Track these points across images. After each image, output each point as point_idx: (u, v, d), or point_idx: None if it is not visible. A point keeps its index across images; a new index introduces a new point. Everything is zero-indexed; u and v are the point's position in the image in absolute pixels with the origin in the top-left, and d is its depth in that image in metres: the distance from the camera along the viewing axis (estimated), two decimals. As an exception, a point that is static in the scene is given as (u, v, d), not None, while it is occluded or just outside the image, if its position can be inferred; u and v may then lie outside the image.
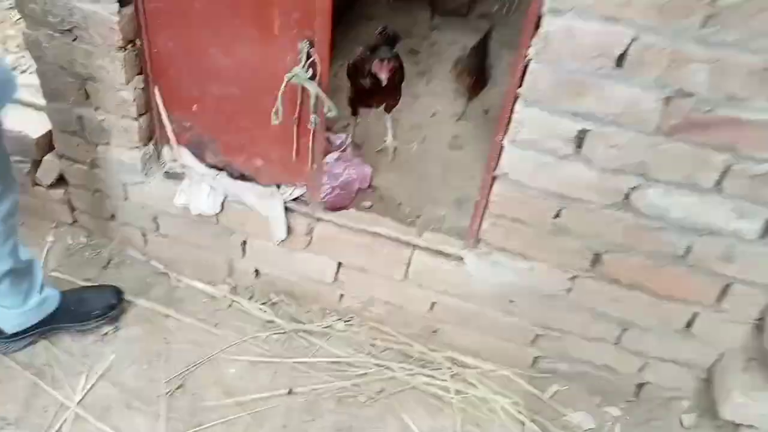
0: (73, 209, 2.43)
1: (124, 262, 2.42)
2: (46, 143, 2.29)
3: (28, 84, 2.49)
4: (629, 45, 1.37)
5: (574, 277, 1.85)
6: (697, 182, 1.53)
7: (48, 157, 2.32)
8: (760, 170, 1.45)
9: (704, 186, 1.53)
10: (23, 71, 3.07)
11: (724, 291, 1.71)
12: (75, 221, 2.47)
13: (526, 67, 1.52)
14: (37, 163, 2.34)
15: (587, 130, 1.54)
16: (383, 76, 2.09)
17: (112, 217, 2.36)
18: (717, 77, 1.35)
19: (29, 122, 2.31)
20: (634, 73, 1.41)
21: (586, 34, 1.38)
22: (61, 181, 2.36)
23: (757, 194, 1.50)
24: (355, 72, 2.27)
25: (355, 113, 2.50)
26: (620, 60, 1.40)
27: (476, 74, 2.62)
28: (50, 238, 2.44)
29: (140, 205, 2.26)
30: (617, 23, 1.35)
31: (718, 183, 1.52)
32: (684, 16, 1.30)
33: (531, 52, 1.48)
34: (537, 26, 1.45)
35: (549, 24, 1.41)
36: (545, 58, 1.46)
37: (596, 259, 1.78)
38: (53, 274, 2.31)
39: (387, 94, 2.35)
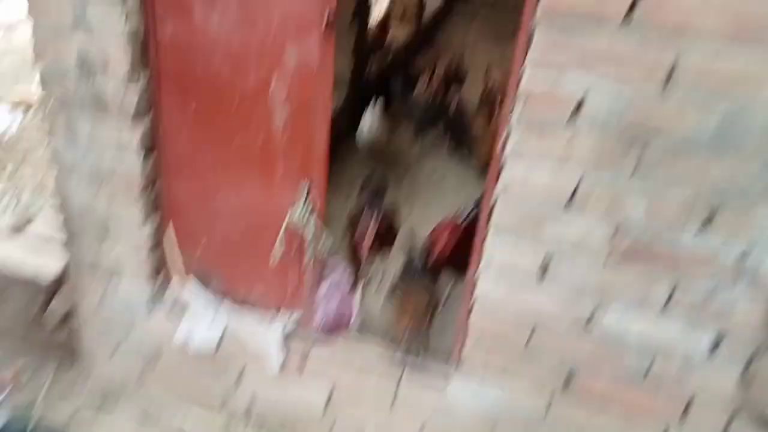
0: (77, 343, 2.53)
1: (122, 396, 2.47)
2: (60, 279, 2.45)
3: (46, 224, 2.73)
4: (577, 186, 1.62)
5: (549, 397, 1.95)
6: (648, 304, 1.71)
7: (60, 293, 2.47)
8: (700, 293, 1.64)
9: (655, 307, 1.71)
10: (35, 210, 3.33)
11: (688, 406, 1.82)
12: (77, 356, 2.55)
13: (493, 205, 1.76)
14: (48, 299, 2.47)
15: (549, 259, 1.75)
16: (364, 253, 2.30)
17: (115, 350, 2.46)
18: (653, 211, 1.59)
19: (45, 260, 2.49)
20: (583, 210, 1.65)
21: (540, 177, 1.64)
22: (68, 315, 2.49)
23: (701, 314, 1.67)
24: (351, 227, 2.58)
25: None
26: (571, 198, 1.65)
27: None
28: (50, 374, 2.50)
29: (144, 337, 2.38)
30: (565, 168, 1.61)
31: (667, 304, 1.70)
32: (620, 161, 1.56)
33: (496, 193, 1.73)
34: (500, 171, 1.71)
35: (509, 170, 1.67)
36: (508, 198, 1.71)
37: (568, 378, 1.90)
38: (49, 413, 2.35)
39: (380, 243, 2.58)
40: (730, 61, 1.40)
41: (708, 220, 1.57)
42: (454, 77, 4.21)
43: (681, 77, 1.44)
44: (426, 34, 6.66)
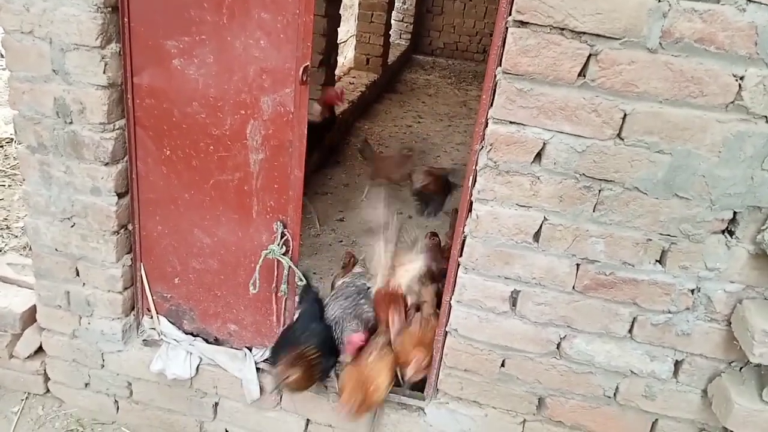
0: (47, 379, 2.51)
1: (95, 430, 2.46)
2: (30, 317, 2.44)
3: (12, 263, 2.70)
4: (541, 225, 1.73)
5: (523, 422, 2.04)
6: (612, 331, 1.83)
7: (29, 330, 2.46)
8: (659, 320, 1.77)
9: (619, 334, 1.83)
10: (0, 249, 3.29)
11: (654, 427, 1.94)
12: (47, 391, 2.54)
13: (464, 241, 1.85)
14: (17, 337, 2.46)
15: (518, 291, 1.85)
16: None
17: (86, 385, 2.45)
18: (611, 247, 1.71)
19: (12, 298, 2.48)
20: (548, 246, 1.76)
21: (507, 216, 1.75)
22: (38, 352, 2.47)
23: (662, 340, 1.80)
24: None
25: None
26: (536, 236, 1.76)
27: None
28: (18, 409, 2.48)
29: (116, 373, 2.38)
30: (530, 209, 1.72)
31: (630, 331, 1.82)
32: (579, 203, 1.68)
33: (467, 230, 1.82)
34: (470, 210, 1.81)
35: (478, 209, 1.77)
36: (478, 235, 1.80)
37: (540, 402, 2.00)
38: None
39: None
40: (673, 114, 1.54)
41: (662, 256, 1.70)
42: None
43: (631, 129, 1.57)
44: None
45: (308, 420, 2.29)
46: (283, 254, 2.05)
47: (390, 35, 7.70)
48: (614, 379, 1.90)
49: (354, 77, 6.84)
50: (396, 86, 7.90)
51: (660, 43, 1.48)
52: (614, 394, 1.92)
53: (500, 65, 1.60)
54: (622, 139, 1.59)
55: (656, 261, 1.71)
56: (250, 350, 2.30)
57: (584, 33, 1.51)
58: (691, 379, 1.84)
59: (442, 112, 7.04)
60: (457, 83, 8.49)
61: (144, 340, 2.35)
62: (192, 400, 2.35)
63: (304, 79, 1.84)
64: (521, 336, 1.90)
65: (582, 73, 1.55)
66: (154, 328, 2.34)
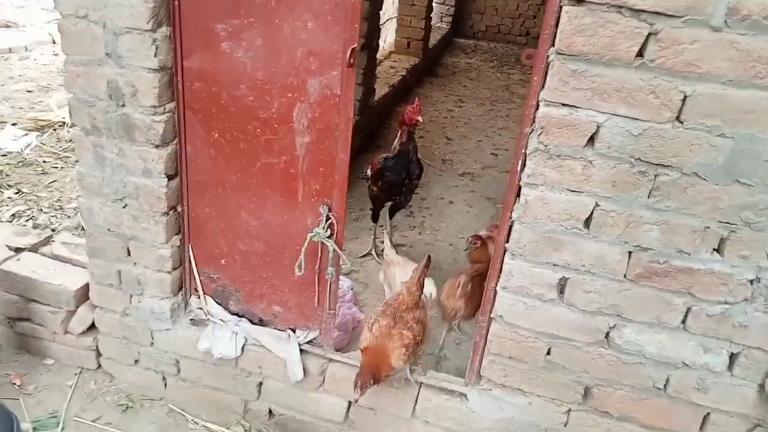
0: (99, 355, 2.60)
1: (144, 405, 2.54)
2: (83, 295, 2.53)
3: (66, 242, 2.80)
4: (593, 210, 1.68)
5: (568, 411, 2.01)
6: (665, 321, 1.77)
7: (82, 308, 2.55)
8: (715, 311, 1.71)
9: (672, 324, 1.77)
10: (53, 229, 3.41)
11: (705, 421, 1.88)
12: (99, 366, 2.63)
13: (511, 226, 1.82)
14: (71, 313, 2.55)
15: (567, 278, 1.81)
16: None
17: (136, 362, 2.53)
18: (666, 235, 1.66)
19: (66, 276, 2.57)
20: (599, 232, 1.71)
21: (557, 202, 1.71)
22: (91, 329, 2.56)
23: (717, 331, 1.74)
24: (377, 175, 3.13)
25: (375, 219, 3.27)
26: (587, 222, 1.71)
27: None
28: (72, 383, 2.58)
29: (164, 350, 2.45)
30: (581, 194, 1.68)
31: (683, 322, 1.76)
32: (633, 188, 1.63)
33: (514, 215, 1.79)
34: (518, 195, 1.78)
35: (527, 194, 1.73)
36: (526, 220, 1.77)
37: (587, 392, 1.97)
38: (75, 419, 2.43)
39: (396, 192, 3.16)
40: (737, 96, 1.46)
41: (720, 245, 1.63)
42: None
43: (691, 111, 1.50)
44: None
45: (350, 402, 2.31)
46: (328, 237, 2.06)
47: (431, 18, 7.61)
48: (665, 371, 1.84)
49: (395, 61, 6.79)
50: (437, 70, 7.82)
51: (725, 21, 1.41)
52: (664, 386, 1.87)
53: (553, 45, 1.55)
54: (681, 122, 1.53)
55: (714, 250, 1.64)
56: (294, 332, 2.33)
57: (643, 11, 1.45)
58: (746, 372, 1.77)
59: (484, 96, 6.94)
60: (499, 67, 8.34)
61: (191, 320, 2.41)
62: (237, 379, 2.40)
63: (351, 61, 1.82)
64: (568, 324, 1.87)
65: (640, 53, 1.49)
66: (201, 308, 2.39)
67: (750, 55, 1.42)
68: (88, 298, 2.53)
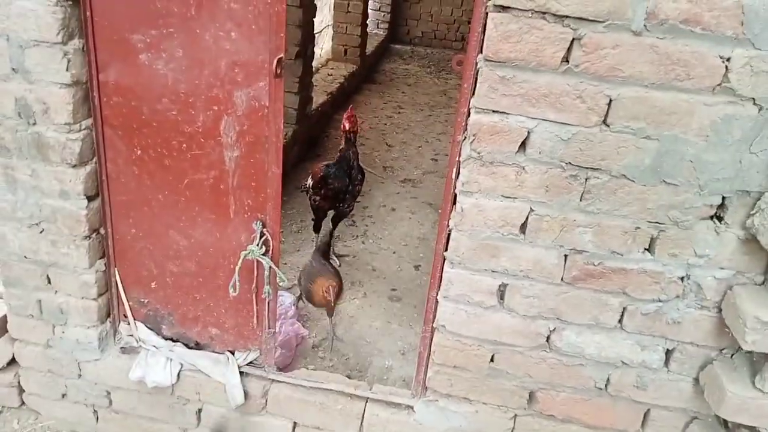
0: (22, 391, 2.42)
1: (75, 440, 2.39)
2: (0, 327, 2.35)
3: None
4: (527, 216, 1.69)
5: (514, 417, 2.01)
6: (602, 322, 1.79)
7: (0, 341, 2.36)
8: (649, 309, 1.74)
9: (609, 325, 1.80)
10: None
11: (646, 417, 1.92)
12: (23, 404, 2.44)
13: (449, 235, 1.80)
14: (-13, 349, 2.36)
15: (506, 284, 1.81)
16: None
17: (63, 396, 2.37)
18: (600, 237, 1.67)
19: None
20: (535, 237, 1.71)
21: (492, 209, 1.70)
22: (11, 363, 2.38)
23: (652, 329, 1.77)
24: (320, 183, 3.14)
25: (317, 229, 3.29)
26: (523, 227, 1.71)
27: None
28: (-5, 424, 2.40)
29: (94, 382, 2.30)
30: (515, 200, 1.68)
31: (620, 321, 1.79)
32: (565, 192, 1.64)
33: (451, 223, 1.77)
34: (454, 202, 1.76)
35: (462, 202, 1.72)
36: (463, 228, 1.75)
37: (531, 397, 1.97)
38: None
39: (340, 200, 3.19)
40: (660, 98, 1.49)
41: (651, 244, 1.66)
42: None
43: (616, 115, 1.53)
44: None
45: (295, 423, 2.23)
46: (263, 254, 1.98)
47: (367, 25, 7.60)
48: (605, 371, 1.87)
49: (332, 68, 6.75)
50: (375, 77, 7.82)
51: (645, 26, 1.43)
52: (605, 386, 1.89)
53: (481, 52, 1.55)
54: (608, 126, 1.55)
55: (645, 249, 1.67)
56: (233, 354, 2.23)
57: (567, 16, 1.46)
58: (682, 367, 1.81)
59: (423, 101, 6.98)
60: (436, 72, 8.43)
61: (122, 348, 2.27)
62: (174, 408, 2.28)
63: (279, 71, 1.76)
64: (510, 330, 1.86)
65: (566, 59, 1.50)
66: (131, 335, 2.26)
67: (669, 58, 1.46)
68: (6, 331, 2.35)
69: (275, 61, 1.74)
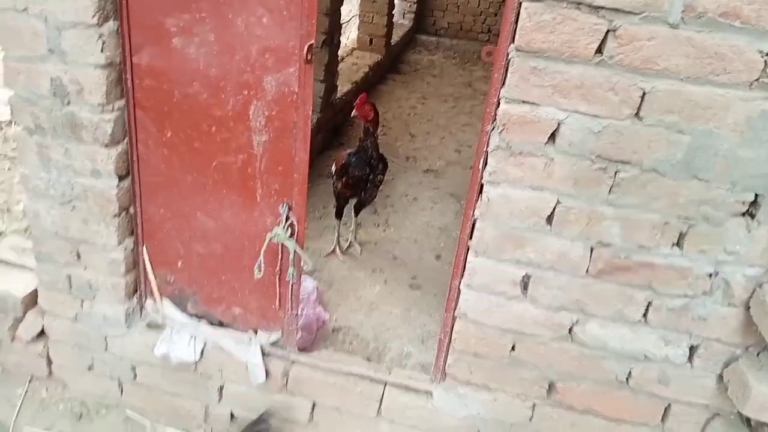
0: (50, 363, 2.49)
1: (99, 413, 2.45)
2: (31, 300, 2.41)
3: (14, 246, 2.67)
4: (555, 207, 1.68)
5: (533, 406, 2.02)
6: (626, 316, 1.79)
7: (31, 314, 2.43)
8: (675, 305, 1.72)
9: (633, 318, 1.79)
10: (0, 232, 3.26)
11: (666, 412, 1.91)
12: (51, 374, 2.51)
13: (474, 224, 1.81)
14: (19, 320, 2.43)
15: (530, 275, 1.80)
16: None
17: (90, 369, 2.43)
18: (627, 231, 1.66)
19: (14, 281, 2.45)
20: (562, 229, 1.71)
21: (519, 199, 1.70)
22: (41, 335, 2.45)
23: (677, 324, 1.76)
24: (342, 171, 3.17)
25: (339, 216, 3.32)
26: (549, 219, 1.71)
27: None
28: (22, 392, 2.46)
29: (119, 356, 2.36)
30: (543, 191, 1.67)
31: (644, 316, 1.78)
32: (594, 185, 1.63)
33: (477, 213, 1.77)
34: (480, 192, 1.76)
35: (489, 191, 1.72)
36: (488, 218, 1.75)
37: (551, 387, 1.97)
38: (26, 428, 2.32)
39: (361, 188, 3.21)
40: (694, 92, 1.47)
41: (680, 239, 1.65)
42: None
43: (650, 108, 1.51)
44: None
45: (315, 403, 2.27)
46: (289, 238, 2.01)
47: (393, 15, 7.56)
48: (627, 364, 1.86)
49: (357, 58, 6.73)
50: (400, 67, 7.78)
51: (682, 18, 1.41)
52: (627, 379, 1.88)
53: (513, 42, 1.54)
54: (641, 119, 1.53)
55: (674, 244, 1.66)
56: (256, 333, 2.27)
57: (602, 7, 1.44)
58: (706, 363, 1.80)
59: (447, 93, 6.93)
60: (461, 64, 8.36)
61: (147, 324, 2.32)
62: (197, 384, 2.33)
63: (309, 58, 1.77)
64: (532, 320, 1.86)
65: (599, 50, 1.48)
66: (157, 312, 2.31)
67: (706, 52, 1.43)
68: (36, 304, 2.42)
69: (306, 48, 1.75)
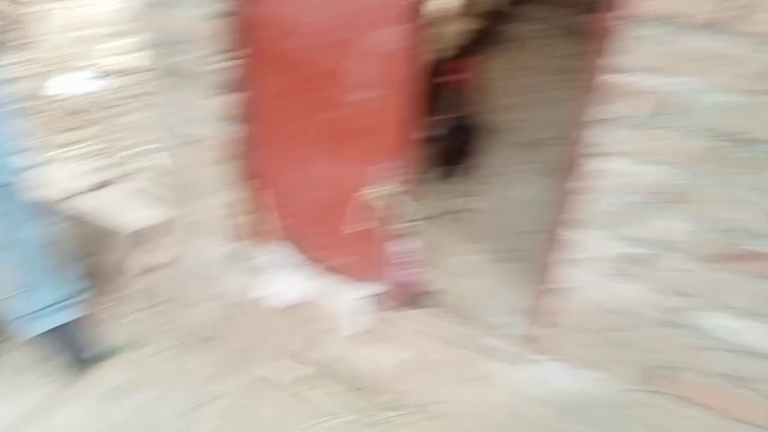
0: (154, 296, 2.69)
1: (205, 339, 2.62)
2: (155, 233, 2.61)
3: (142, 182, 2.88)
4: (672, 185, 1.60)
5: (631, 390, 1.96)
6: (745, 307, 1.68)
7: (154, 245, 2.63)
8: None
9: (752, 311, 1.68)
10: (130, 170, 3.49)
11: (777, 412, 1.80)
12: (154, 306, 2.72)
13: (577, 198, 1.75)
14: (142, 250, 2.64)
15: (641, 254, 1.73)
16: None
17: (202, 301, 2.60)
18: (752, 216, 1.55)
19: (140, 213, 2.67)
20: (679, 208, 1.62)
21: (634, 174, 1.62)
22: (161, 266, 2.64)
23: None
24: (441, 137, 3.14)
25: (440, 180, 3.29)
26: (666, 197, 1.62)
27: None
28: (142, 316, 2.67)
29: (228, 290, 2.51)
30: (666, 167, 1.59)
31: (763, 307, 1.66)
32: (714, 163, 1.52)
33: (581, 187, 1.72)
34: (584, 166, 1.70)
35: (594, 165, 1.66)
36: (594, 193, 1.69)
37: (652, 372, 1.90)
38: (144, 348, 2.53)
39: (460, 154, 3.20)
40: None
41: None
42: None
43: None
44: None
45: (406, 359, 2.31)
46: (396, 194, 2.04)
47: (499, -19, 7.30)
48: (739, 359, 1.76)
49: (458, 24, 6.58)
50: (500, 36, 7.55)
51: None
52: (736, 374, 1.78)
53: (621, 9, 1.45)
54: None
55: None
56: (354, 285, 2.34)
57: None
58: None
59: (548, 65, 6.67)
60: (565, 35, 7.99)
61: (255, 265, 2.45)
62: (293, 327, 2.44)
63: (416, 17, 1.77)
64: (641, 302, 1.80)
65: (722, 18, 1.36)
66: (266, 255, 2.43)
67: None
68: (159, 237, 2.60)
69: (413, 6, 1.74)
